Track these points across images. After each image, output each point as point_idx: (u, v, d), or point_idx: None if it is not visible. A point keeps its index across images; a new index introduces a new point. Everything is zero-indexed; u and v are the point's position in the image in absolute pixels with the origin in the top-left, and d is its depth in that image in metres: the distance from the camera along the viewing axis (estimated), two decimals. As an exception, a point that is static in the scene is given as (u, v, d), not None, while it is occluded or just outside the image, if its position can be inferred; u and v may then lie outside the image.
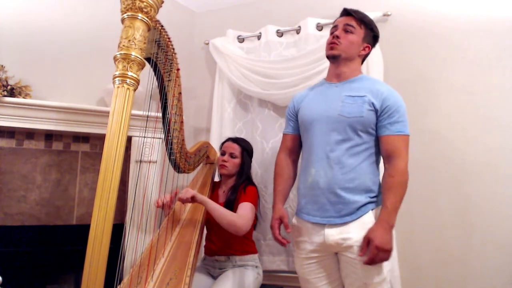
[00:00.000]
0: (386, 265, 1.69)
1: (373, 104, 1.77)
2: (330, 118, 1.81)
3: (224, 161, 2.38)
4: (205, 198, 2.08)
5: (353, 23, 1.87)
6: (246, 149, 2.43)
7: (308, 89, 2.08)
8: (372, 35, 1.94)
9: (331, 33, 1.92)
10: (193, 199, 2.02)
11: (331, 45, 1.87)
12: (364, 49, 1.91)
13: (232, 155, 2.38)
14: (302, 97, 2.04)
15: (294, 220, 1.95)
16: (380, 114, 1.77)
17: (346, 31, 1.87)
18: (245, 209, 2.14)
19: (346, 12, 1.92)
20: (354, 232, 1.70)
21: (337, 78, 1.92)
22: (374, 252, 1.61)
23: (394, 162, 1.74)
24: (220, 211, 2.05)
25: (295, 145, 2.06)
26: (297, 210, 1.94)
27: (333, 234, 1.73)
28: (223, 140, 2.58)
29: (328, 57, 1.92)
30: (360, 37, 1.88)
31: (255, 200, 2.24)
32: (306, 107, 1.95)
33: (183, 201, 2.04)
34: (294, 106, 2.05)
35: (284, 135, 2.11)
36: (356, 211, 1.72)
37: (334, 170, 1.76)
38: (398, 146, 1.74)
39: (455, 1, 2.57)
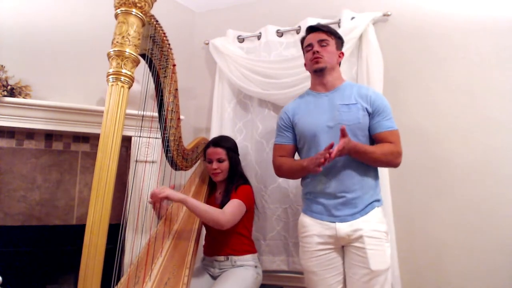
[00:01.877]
0: (389, 256, 1.86)
1: (366, 109, 1.95)
2: (331, 128, 1.94)
3: (215, 169, 2.33)
4: (182, 196, 1.99)
5: (325, 36, 2.04)
6: (230, 148, 2.38)
7: (297, 100, 2.19)
8: (340, 42, 2.13)
9: (308, 51, 2.07)
10: (167, 198, 1.97)
11: (316, 59, 2.01)
12: (339, 56, 2.10)
13: (219, 160, 2.34)
14: (295, 108, 2.14)
15: (302, 217, 2.04)
16: (371, 116, 1.95)
17: (322, 45, 2.03)
18: (230, 205, 2.14)
19: (314, 29, 2.08)
20: (364, 225, 1.85)
21: (324, 88, 2.07)
22: (341, 149, 1.76)
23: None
24: (201, 208, 2.01)
25: (290, 155, 2.15)
26: (305, 209, 2.04)
27: (344, 228, 1.87)
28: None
29: (315, 71, 2.04)
30: (334, 47, 2.06)
31: (245, 197, 2.22)
32: (304, 120, 2.05)
33: (156, 198, 1.97)
34: (288, 117, 2.14)
35: (280, 145, 2.15)
36: (364, 209, 1.88)
37: (342, 175, 1.92)
38: (390, 139, 1.91)
39: (455, 1, 2.56)
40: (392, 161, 1.92)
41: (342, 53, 2.11)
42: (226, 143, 2.39)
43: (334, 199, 1.91)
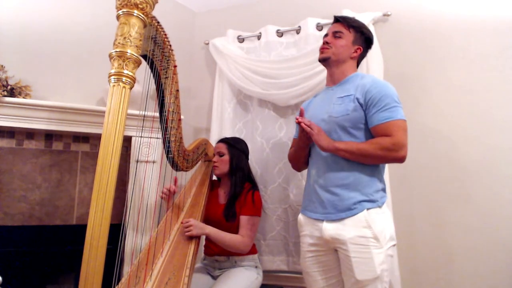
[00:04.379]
0: (378, 264, 1.69)
1: (357, 99, 1.82)
2: (323, 120, 1.90)
3: (215, 162, 2.40)
4: (206, 231, 2.06)
5: (342, 29, 1.99)
6: (233, 145, 2.41)
7: (314, 96, 2.20)
8: (363, 37, 2.02)
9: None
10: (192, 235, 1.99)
11: (321, 50, 2.01)
12: (355, 51, 2.00)
13: (219, 154, 2.39)
14: (307, 103, 2.16)
15: (299, 216, 2.01)
16: (366, 107, 1.81)
17: (335, 37, 1.99)
18: (247, 227, 2.21)
19: (336, 19, 2.05)
20: (348, 229, 1.74)
21: (332, 81, 2.03)
22: (312, 132, 1.81)
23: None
24: (222, 239, 2.11)
25: None
26: (301, 208, 2.02)
27: (329, 229, 1.79)
28: (223, 140, 2.57)
29: (319, 61, 2.04)
30: (350, 40, 1.98)
31: (258, 207, 2.27)
32: (308, 114, 2.02)
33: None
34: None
35: (294, 139, 2.22)
36: (350, 209, 1.76)
37: (330, 169, 1.85)
38: (387, 131, 1.74)
39: (455, 1, 2.56)
40: (389, 156, 1.75)
41: (360, 48, 2.00)
42: (231, 141, 2.44)
43: (321, 194, 1.84)
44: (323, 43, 2.01)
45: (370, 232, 1.71)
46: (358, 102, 1.81)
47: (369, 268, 1.68)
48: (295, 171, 2.42)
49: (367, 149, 1.75)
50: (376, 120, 1.76)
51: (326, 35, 2.04)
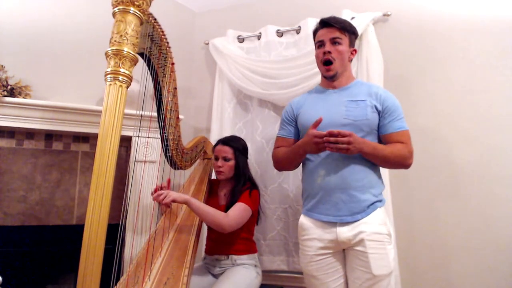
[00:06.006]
0: (392, 259, 1.79)
1: (375, 106, 1.88)
2: (336, 122, 1.86)
3: (219, 166, 2.32)
4: (186, 197, 1.98)
5: (338, 34, 1.93)
6: (238, 149, 2.35)
7: (305, 95, 2.13)
8: (354, 37, 2.02)
9: (319, 47, 1.97)
10: (174, 201, 1.96)
11: (326, 67, 1.94)
12: (352, 53, 2.00)
13: (225, 159, 2.31)
14: (300, 102, 2.08)
15: (302, 219, 1.97)
16: (381, 115, 1.88)
17: (334, 43, 1.93)
18: (236, 209, 2.11)
19: (326, 24, 1.95)
20: (365, 227, 1.78)
21: (332, 85, 2.00)
22: (346, 138, 1.70)
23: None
24: (204, 210, 2.00)
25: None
26: (305, 210, 1.97)
27: (345, 232, 1.80)
28: (222, 140, 2.55)
29: (326, 77, 1.99)
30: (347, 44, 1.96)
31: (253, 202, 2.20)
32: (309, 114, 1.97)
33: (164, 204, 2.00)
34: (293, 110, 2.09)
35: (281, 138, 2.12)
36: (366, 209, 1.81)
37: (343, 170, 1.84)
38: (401, 139, 1.85)
39: (455, 1, 2.56)
40: (403, 162, 1.86)
41: (355, 50, 2.01)
42: (234, 143, 2.36)
43: (334, 195, 1.82)
44: (324, 53, 1.92)
45: (385, 228, 1.81)
46: (376, 109, 1.88)
47: (385, 263, 1.75)
48: (295, 171, 2.42)
49: (388, 155, 1.82)
50: (392, 128, 1.86)
51: (321, 42, 1.96)
